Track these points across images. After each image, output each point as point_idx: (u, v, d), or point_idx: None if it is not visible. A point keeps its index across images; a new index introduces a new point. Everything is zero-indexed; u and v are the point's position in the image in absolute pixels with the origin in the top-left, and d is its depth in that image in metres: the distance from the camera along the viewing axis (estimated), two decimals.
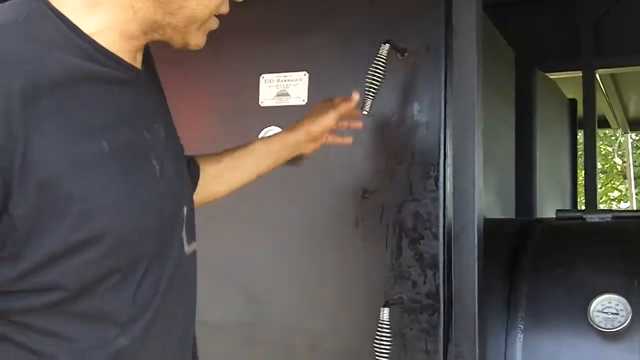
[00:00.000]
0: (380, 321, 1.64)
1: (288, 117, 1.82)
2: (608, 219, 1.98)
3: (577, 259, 1.86)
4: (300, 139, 1.58)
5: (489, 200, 2.26)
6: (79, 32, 1.01)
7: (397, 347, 1.70)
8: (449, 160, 1.73)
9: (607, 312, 1.65)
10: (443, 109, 1.75)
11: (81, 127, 0.96)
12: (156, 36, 1.10)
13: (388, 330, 1.64)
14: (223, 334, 1.88)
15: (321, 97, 1.89)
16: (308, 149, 1.62)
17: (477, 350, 1.65)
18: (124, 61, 1.07)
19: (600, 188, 12.90)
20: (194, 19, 1.08)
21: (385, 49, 1.67)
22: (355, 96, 1.61)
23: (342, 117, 1.61)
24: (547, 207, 2.78)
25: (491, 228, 1.86)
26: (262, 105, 1.94)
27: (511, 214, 2.56)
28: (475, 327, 1.65)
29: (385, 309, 1.65)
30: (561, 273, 1.82)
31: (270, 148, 1.56)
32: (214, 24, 1.14)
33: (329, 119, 1.58)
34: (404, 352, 1.73)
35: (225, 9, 1.13)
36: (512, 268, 1.88)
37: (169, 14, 1.06)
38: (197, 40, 1.12)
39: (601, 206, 12.72)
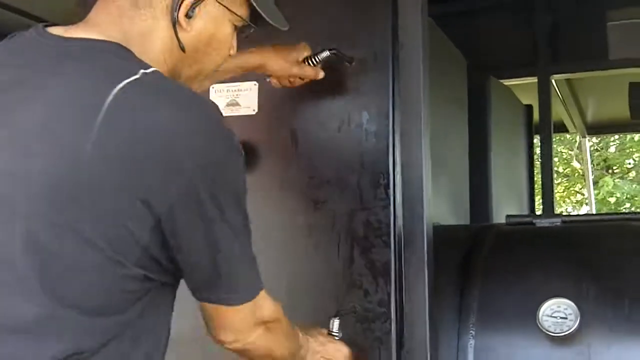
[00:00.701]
0: (329, 331, 1.64)
1: (238, 126, 1.80)
2: (557, 224, 2.00)
3: (527, 263, 1.88)
4: (257, 65, 1.71)
5: (443, 207, 2.27)
6: None
7: None
8: (399, 168, 1.74)
9: (555, 317, 1.66)
10: (391, 117, 1.75)
11: None
12: None
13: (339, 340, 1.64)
14: (177, 347, 1.86)
15: (271, 107, 1.90)
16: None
17: (429, 356, 1.65)
18: None
19: (564, 192, 13.05)
20: (202, 71, 1.30)
21: (324, 54, 1.69)
22: (320, 73, 1.71)
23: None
24: (504, 212, 2.79)
25: (443, 235, 1.86)
26: None
27: (466, 221, 2.57)
28: (426, 334, 1.66)
29: (335, 319, 1.65)
30: (512, 278, 1.84)
31: (239, 62, 1.67)
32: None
33: (282, 71, 1.70)
34: None
35: (225, 66, 1.39)
36: (463, 274, 1.88)
37: (187, 65, 1.26)
38: (200, 88, 1.36)
39: (569, 210, 12.89)
